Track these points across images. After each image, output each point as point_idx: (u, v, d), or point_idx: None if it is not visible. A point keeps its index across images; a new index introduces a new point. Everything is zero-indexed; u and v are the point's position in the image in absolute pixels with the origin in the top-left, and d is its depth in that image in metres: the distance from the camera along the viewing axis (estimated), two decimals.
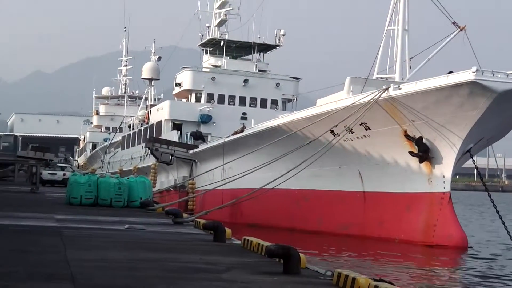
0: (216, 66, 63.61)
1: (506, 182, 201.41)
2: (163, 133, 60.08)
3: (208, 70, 62.95)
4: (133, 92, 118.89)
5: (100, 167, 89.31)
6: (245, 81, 60.90)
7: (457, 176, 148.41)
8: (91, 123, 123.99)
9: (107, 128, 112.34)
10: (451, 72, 33.62)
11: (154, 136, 60.18)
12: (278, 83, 61.86)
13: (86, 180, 33.41)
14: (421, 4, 48.58)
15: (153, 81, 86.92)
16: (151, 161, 59.80)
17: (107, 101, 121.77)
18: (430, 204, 36.51)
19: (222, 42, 63.85)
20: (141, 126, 72.89)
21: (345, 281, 13.10)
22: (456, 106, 33.43)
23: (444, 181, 36.25)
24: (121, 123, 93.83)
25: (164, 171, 59.00)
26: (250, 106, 60.78)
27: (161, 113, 62.68)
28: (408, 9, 45.42)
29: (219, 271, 14.58)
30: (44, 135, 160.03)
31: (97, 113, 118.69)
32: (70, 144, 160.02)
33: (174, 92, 64.91)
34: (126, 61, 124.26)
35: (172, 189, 53.06)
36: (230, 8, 66.52)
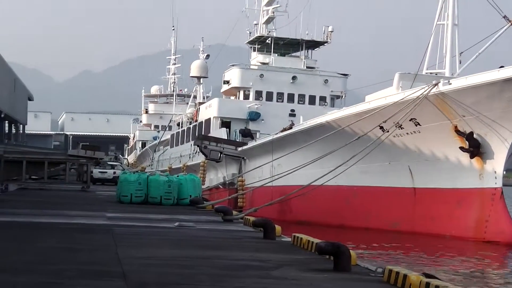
0: (264, 64, 63.59)
1: None
2: (212, 130, 60.26)
3: (256, 67, 62.99)
4: (181, 90, 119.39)
5: (149, 165, 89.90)
6: (293, 78, 60.83)
7: (505, 172, 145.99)
8: (141, 121, 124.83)
9: (156, 127, 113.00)
10: (502, 66, 33.20)
11: (203, 133, 60.36)
12: (327, 80, 61.70)
13: (136, 178, 33.59)
14: None
15: (201, 79, 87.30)
16: (200, 158, 60.00)
17: (156, 100, 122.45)
18: (481, 200, 36.16)
19: (270, 39, 63.84)
20: (189, 124, 73.24)
21: (396, 278, 12.99)
22: (508, 100, 33.02)
23: (495, 177, 35.86)
24: (170, 121, 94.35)
25: (213, 168, 59.17)
26: (298, 103, 60.70)
27: (209, 110, 62.90)
28: (458, 4, 44.97)
29: (269, 268, 14.56)
30: (94, 133, 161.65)
31: (146, 112, 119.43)
32: (120, 142, 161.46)
33: (222, 90, 65.09)
34: (175, 60, 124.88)
35: (221, 187, 53.16)
36: (278, 5, 66.51)
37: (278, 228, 21.06)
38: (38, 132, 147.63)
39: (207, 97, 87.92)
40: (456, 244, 34.44)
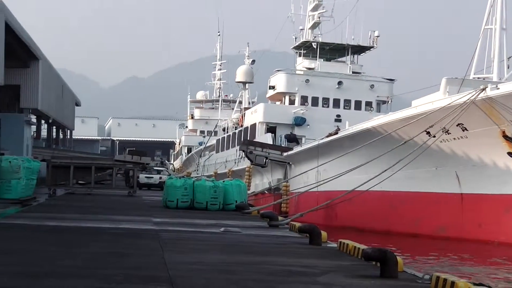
0: (309, 69, 63.56)
1: None
2: (257, 135, 60.35)
3: (301, 72, 62.99)
4: (227, 96, 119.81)
5: (195, 170, 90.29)
6: (339, 83, 60.74)
7: None
8: (186, 127, 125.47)
9: (202, 132, 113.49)
10: None
11: (248, 139, 60.48)
12: (373, 85, 61.51)
13: (182, 184, 33.76)
14: None
15: (247, 84, 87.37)
16: (245, 164, 60.12)
17: (201, 105, 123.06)
18: None
19: (316, 44, 63.80)
20: (235, 129, 73.40)
21: (444, 285, 12.84)
22: None
23: None
24: (216, 127, 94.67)
25: (258, 173, 59.22)
26: (344, 108, 60.59)
27: (255, 116, 62.99)
28: (506, 8, 44.59)
29: (315, 274, 14.52)
30: (141, 139, 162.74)
31: (192, 117, 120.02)
32: (166, 148, 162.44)
33: (268, 95, 65.15)
34: (220, 65, 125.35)
35: (266, 192, 53.22)
36: (324, 10, 66.44)
37: (324, 234, 20.99)
38: (85, 137, 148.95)
39: (252, 102, 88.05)
40: (504, 251, 34.06)
